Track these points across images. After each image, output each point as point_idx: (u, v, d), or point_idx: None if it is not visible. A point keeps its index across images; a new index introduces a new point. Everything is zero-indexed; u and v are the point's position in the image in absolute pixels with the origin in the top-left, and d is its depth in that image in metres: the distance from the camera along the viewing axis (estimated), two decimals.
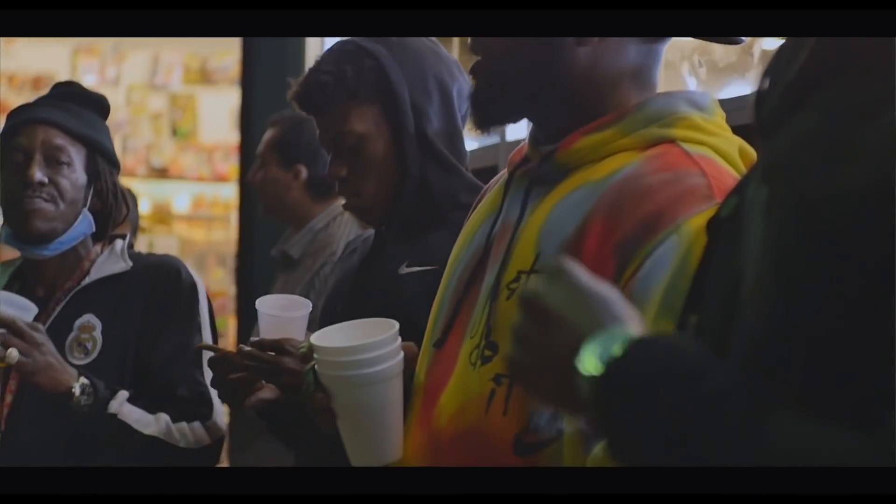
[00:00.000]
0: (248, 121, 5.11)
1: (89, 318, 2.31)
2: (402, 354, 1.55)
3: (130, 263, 2.34)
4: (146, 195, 8.05)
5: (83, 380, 2.17)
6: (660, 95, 1.52)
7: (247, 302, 5.02)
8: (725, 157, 1.45)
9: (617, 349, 0.95)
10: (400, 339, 1.56)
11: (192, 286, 2.34)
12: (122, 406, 2.20)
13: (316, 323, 2.12)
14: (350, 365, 1.49)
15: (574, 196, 1.45)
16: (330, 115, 2.10)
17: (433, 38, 2.21)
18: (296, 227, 3.65)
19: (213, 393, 2.23)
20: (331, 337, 1.55)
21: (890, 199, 0.85)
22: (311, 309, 2.08)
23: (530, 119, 1.57)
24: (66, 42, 7.97)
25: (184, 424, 2.25)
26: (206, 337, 2.33)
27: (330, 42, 2.31)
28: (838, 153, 0.89)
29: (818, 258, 0.88)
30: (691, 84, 2.53)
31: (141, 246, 7.01)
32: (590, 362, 0.95)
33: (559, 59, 1.48)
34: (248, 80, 5.20)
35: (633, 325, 0.98)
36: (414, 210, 2.09)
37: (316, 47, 4.76)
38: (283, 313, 2.06)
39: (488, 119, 1.57)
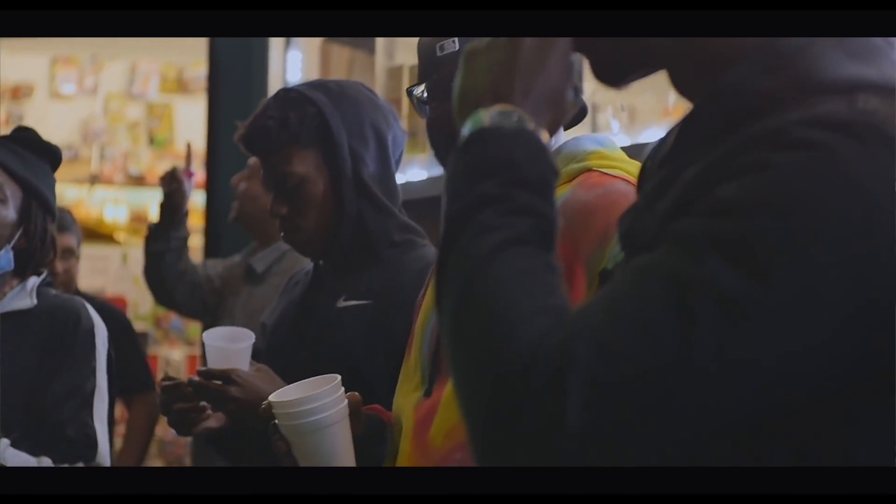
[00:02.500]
0: (215, 129, 5.19)
1: None
2: (345, 402, 1.80)
3: (35, 301, 2.39)
4: (124, 202, 8.14)
5: None
6: (569, 140, 1.79)
7: None
8: (635, 176, 1.67)
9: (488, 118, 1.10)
10: (343, 389, 1.80)
11: (90, 330, 2.39)
12: (4, 452, 2.23)
13: (263, 352, 2.27)
14: (299, 415, 1.76)
15: None
16: (273, 158, 2.25)
17: (370, 88, 2.37)
18: (262, 242, 3.73)
19: (99, 435, 2.31)
20: (287, 394, 1.82)
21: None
22: (254, 340, 2.18)
23: None
24: (44, 52, 7.99)
25: (66, 467, 2.27)
26: (101, 380, 2.39)
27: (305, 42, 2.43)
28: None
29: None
30: (615, 126, 2.73)
31: (116, 258, 7.13)
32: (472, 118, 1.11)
33: None
34: (215, 89, 5.27)
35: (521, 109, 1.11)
36: (350, 247, 2.24)
37: (279, 55, 4.87)
38: (228, 345, 2.16)
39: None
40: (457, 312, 1.05)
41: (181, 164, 3.93)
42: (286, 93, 2.31)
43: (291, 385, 1.86)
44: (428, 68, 1.90)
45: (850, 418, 1.01)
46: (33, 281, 2.41)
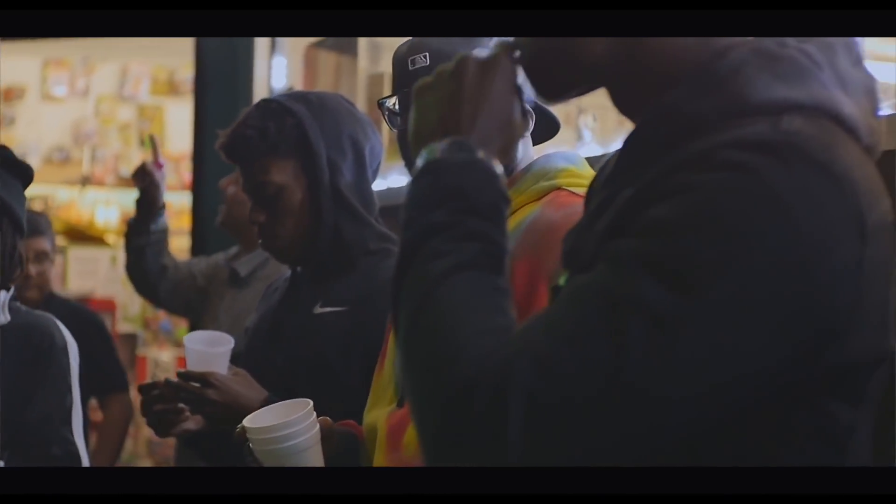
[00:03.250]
0: (201, 131, 5.22)
1: None
2: (317, 427, 1.83)
3: (9, 318, 2.41)
4: (115, 203, 8.15)
5: None
6: (540, 158, 1.82)
7: None
8: None
9: (440, 150, 1.16)
10: (315, 414, 1.83)
11: (64, 348, 2.41)
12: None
13: (241, 356, 2.32)
14: (273, 441, 1.81)
15: None
16: (253, 166, 2.29)
17: (350, 100, 2.41)
18: (246, 247, 3.75)
19: (80, 449, 2.34)
20: (261, 418, 1.86)
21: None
22: (233, 345, 2.23)
23: None
24: (36, 54, 8.01)
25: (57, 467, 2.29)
26: (76, 394, 2.41)
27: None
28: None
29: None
30: (587, 136, 2.76)
31: (105, 261, 7.13)
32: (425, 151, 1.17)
33: None
34: (201, 92, 5.30)
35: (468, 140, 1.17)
36: (327, 255, 2.28)
37: (264, 60, 4.90)
38: (208, 348, 2.21)
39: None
40: (407, 337, 1.10)
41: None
42: (266, 103, 2.35)
43: (265, 409, 1.90)
44: (400, 81, 1.92)
45: (788, 425, 1.06)
46: (3, 296, 2.42)
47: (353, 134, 2.31)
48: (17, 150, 2.51)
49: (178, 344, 7.20)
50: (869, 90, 1.15)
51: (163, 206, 3.76)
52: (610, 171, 1.20)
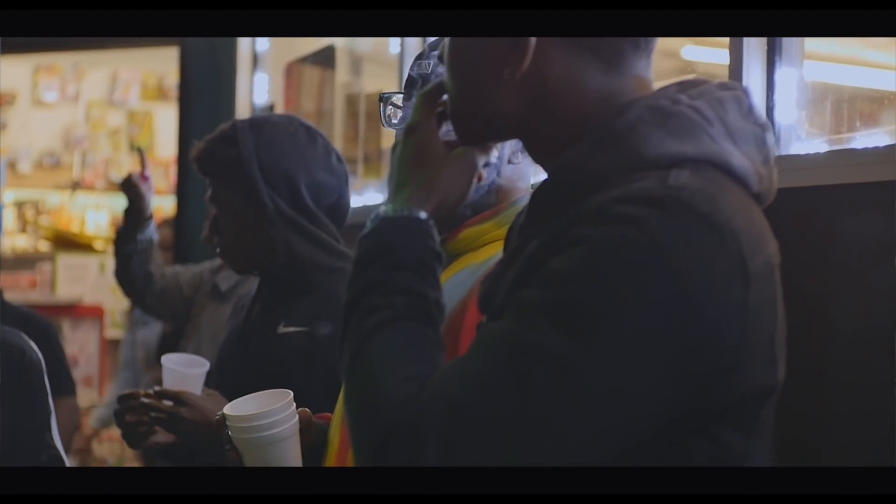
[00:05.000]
0: (186, 136, 5.30)
1: None
2: (296, 418, 1.87)
3: None
4: (105, 208, 8.17)
5: None
6: (526, 193, 1.83)
7: None
8: None
9: (383, 210, 1.28)
10: (294, 405, 1.87)
11: (37, 362, 2.52)
12: None
13: (213, 373, 2.40)
14: (252, 430, 1.81)
15: (459, 276, 1.70)
16: (213, 181, 2.42)
17: (311, 133, 2.45)
18: None
19: (62, 452, 2.45)
20: (240, 407, 1.88)
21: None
22: (208, 367, 2.34)
23: None
24: (27, 60, 8.03)
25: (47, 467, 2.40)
26: (50, 402, 2.53)
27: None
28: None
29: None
30: None
31: (94, 268, 7.16)
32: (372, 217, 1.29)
33: (495, 172, 1.75)
34: (185, 96, 5.37)
35: (409, 200, 1.28)
36: (283, 272, 2.37)
37: (247, 73, 4.99)
38: (184, 369, 2.32)
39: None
40: (345, 387, 1.22)
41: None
42: (227, 126, 2.44)
43: (245, 397, 1.91)
44: (407, 84, 1.89)
45: (686, 454, 1.14)
46: None
47: (290, 172, 2.38)
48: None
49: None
50: (759, 140, 1.23)
51: (150, 217, 3.82)
52: (521, 222, 1.29)
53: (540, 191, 1.25)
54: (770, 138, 1.24)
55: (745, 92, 1.24)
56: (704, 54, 3.39)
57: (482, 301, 1.29)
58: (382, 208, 1.29)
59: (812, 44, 2.40)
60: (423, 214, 1.28)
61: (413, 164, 1.31)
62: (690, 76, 1.27)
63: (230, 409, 1.85)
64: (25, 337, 2.57)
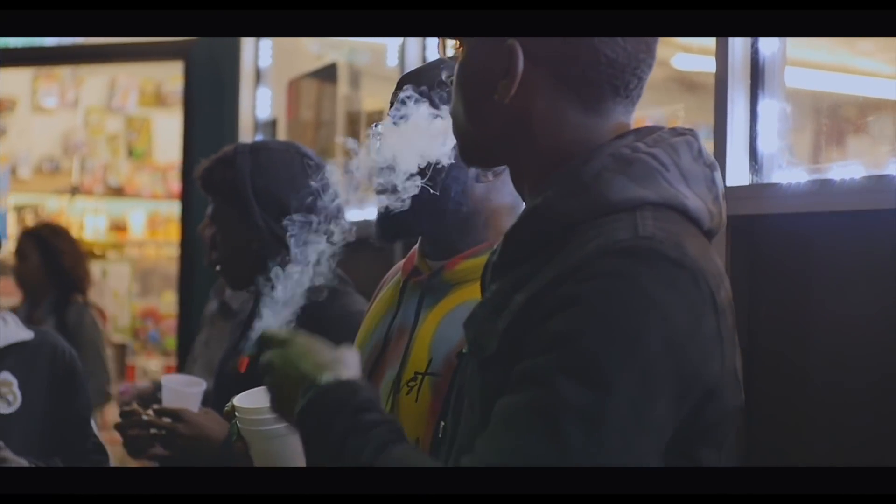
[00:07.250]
0: (190, 142, 5.35)
1: (6, 375, 2.64)
2: None
3: (33, 334, 2.70)
4: (103, 212, 8.23)
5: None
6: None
7: (187, 318, 5.26)
8: None
9: (312, 390, 1.34)
10: None
11: (77, 359, 2.72)
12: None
13: (211, 392, 2.50)
14: (261, 422, 1.80)
15: (458, 311, 1.72)
16: (213, 200, 2.54)
17: (306, 161, 2.52)
18: None
19: (102, 439, 2.66)
20: (250, 398, 1.90)
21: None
22: (205, 387, 2.45)
23: (426, 234, 1.85)
24: (27, 67, 8.03)
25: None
26: (90, 397, 2.75)
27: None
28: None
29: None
30: None
31: (96, 273, 7.21)
32: (301, 395, 1.36)
33: (460, 189, 1.78)
34: (190, 102, 5.42)
35: (331, 372, 1.35)
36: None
37: (249, 88, 5.07)
38: (183, 388, 2.44)
39: (393, 234, 1.83)
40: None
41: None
42: (230, 148, 2.56)
43: (256, 389, 1.88)
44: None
45: (689, 457, 1.26)
46: (11, 315, 2.69)
47: (281, 197, 2.48)
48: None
49: (166, 353, 7.36)
50: (708, 180, 1.33)
51: None
52: (495, 261, 1.39)
53: (513, 232, 1.33)
54: (718, 177, 1.35)
55: (695, 135, 1.34)
56: (695, 63, 3.43)
57: (471, 346, 1.38)
58: (310, 392, 1.37)
59: (799, 51, 2.44)
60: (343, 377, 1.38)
61: (301, 359, 1.41)
62: (646, 125, 1.36)
63: (240, 400, 1.85)
64: (61, 337, 2.75)
